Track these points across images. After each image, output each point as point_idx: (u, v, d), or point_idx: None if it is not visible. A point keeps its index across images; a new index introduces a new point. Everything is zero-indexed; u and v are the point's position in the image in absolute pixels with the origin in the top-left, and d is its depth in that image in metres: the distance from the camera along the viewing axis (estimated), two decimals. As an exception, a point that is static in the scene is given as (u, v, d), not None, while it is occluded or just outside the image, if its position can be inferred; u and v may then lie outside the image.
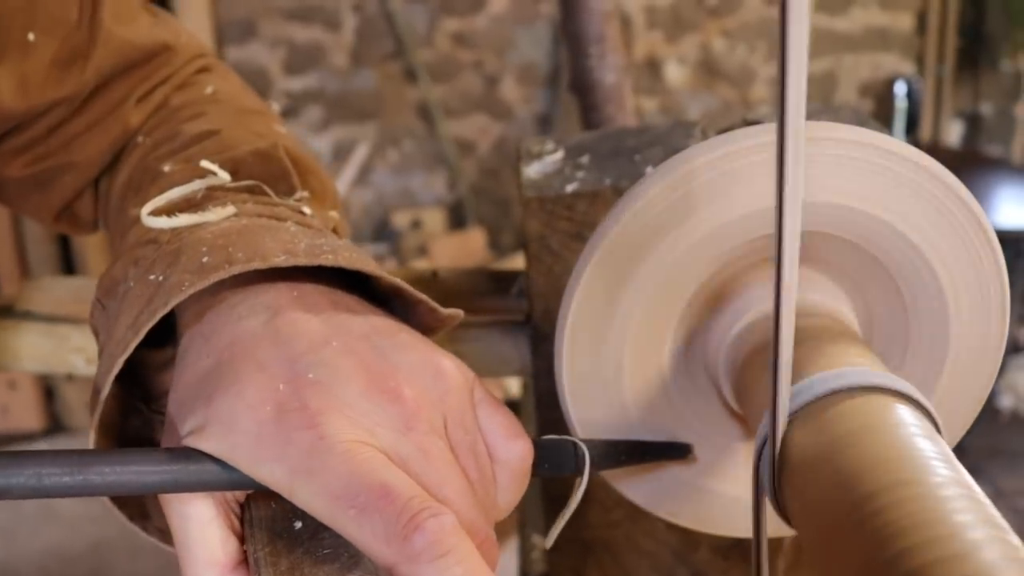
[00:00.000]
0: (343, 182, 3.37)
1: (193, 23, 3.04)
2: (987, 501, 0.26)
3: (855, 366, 0.31)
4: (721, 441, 0.41)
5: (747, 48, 3.38)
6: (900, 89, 3.43)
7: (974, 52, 3.49)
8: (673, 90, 3.41)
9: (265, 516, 0.33)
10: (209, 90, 0.58)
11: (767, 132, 0.35)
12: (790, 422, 0.30)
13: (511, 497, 0.37)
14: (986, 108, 3.55)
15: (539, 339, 0.56)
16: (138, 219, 0.44)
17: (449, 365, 0.36)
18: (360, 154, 3.40)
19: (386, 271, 0.40)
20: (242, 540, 0.34)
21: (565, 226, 0.53)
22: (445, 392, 0.36)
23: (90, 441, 0.37)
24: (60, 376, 2.61)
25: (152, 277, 0.38)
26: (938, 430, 0.30)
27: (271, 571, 0.31)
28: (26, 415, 2.84)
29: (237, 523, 0.35)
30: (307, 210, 0.47)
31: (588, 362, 0.39)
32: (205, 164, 0.46)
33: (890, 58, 3.49)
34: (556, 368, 0.39)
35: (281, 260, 0.37)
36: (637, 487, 0.41)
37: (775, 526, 0.33)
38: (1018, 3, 3.38)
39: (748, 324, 0.37)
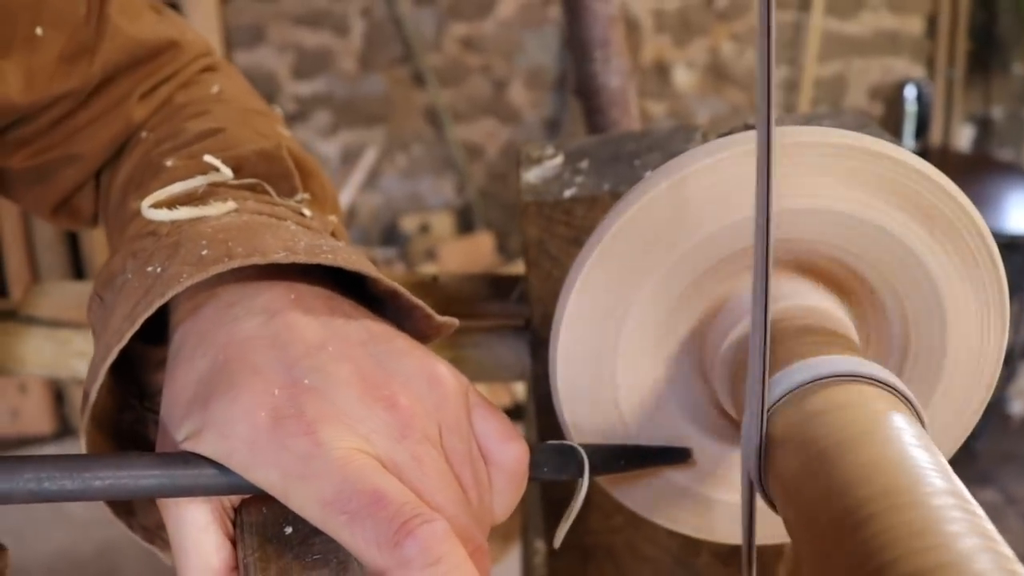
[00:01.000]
0: (352, 186, 3.37)
1: (202, 28, 3.05)
2: (978, 510, 0.26)
3: (835, 355, 0.31)
4: (718, 447, 0.41)
5: (755, 51, 3.36)
6: (910, 93, 3.42)
7: (985, 55, 3.47)
8: (681, 94, 3.41)
9: (256, 521, 0.33)
10: (214, 89, 0.59)
11: (753, 139, 0.35)
12: (773, 410, 0.30)
13: (508, 501, 0.37)
14: (997, 112, 3.53)
15: (539, 344, 0.56)
16: (138, 212, 0.44)
17: (444, 372, 0.36)
18: (368, 158, 3.40)
19: (385, 274, 0.40)
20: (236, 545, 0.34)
21: (564, 231, 0.53)
22: (440, 399, 0.36)
23: (81, 430, 0.37)
24: (69, 380, 2.63)
25: (150, 269, 0.39)
26: (920, 419, 0.30)
27: (251, 567, 0.31)
28: (36, 419, 2.86)
29: (232, 528, 0.35)
30: (307, 212, 0.47)
31: (583, 368, 0.39)
32: (208, 159, 0.46)
33: (900, 62, 3.48)
34: (551, 374, 0.39)
35: (281, 257, 0.37)
36: (634, 493, 0.41)
37: (776, 533, 0.33)
38: (1029, 6, 3.37)
39: (743, 330, 0.37)
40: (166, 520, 0.34)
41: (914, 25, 3.44)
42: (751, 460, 0.31)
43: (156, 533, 0.40)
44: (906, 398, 0.31)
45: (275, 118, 0.58)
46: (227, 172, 0.46)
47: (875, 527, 0.25)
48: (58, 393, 2.89)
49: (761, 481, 0.31)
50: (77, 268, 2.91)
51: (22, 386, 2.80)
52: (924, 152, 3.17)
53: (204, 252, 0.37)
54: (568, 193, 0.52)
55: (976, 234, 0.37)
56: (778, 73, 3.40)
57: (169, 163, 0.49)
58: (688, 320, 0.39)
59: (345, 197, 3.40)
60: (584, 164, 0.56)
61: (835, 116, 0.59)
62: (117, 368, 0.39)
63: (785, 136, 0.35)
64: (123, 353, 0.37)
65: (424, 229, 3.41)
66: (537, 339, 0.56)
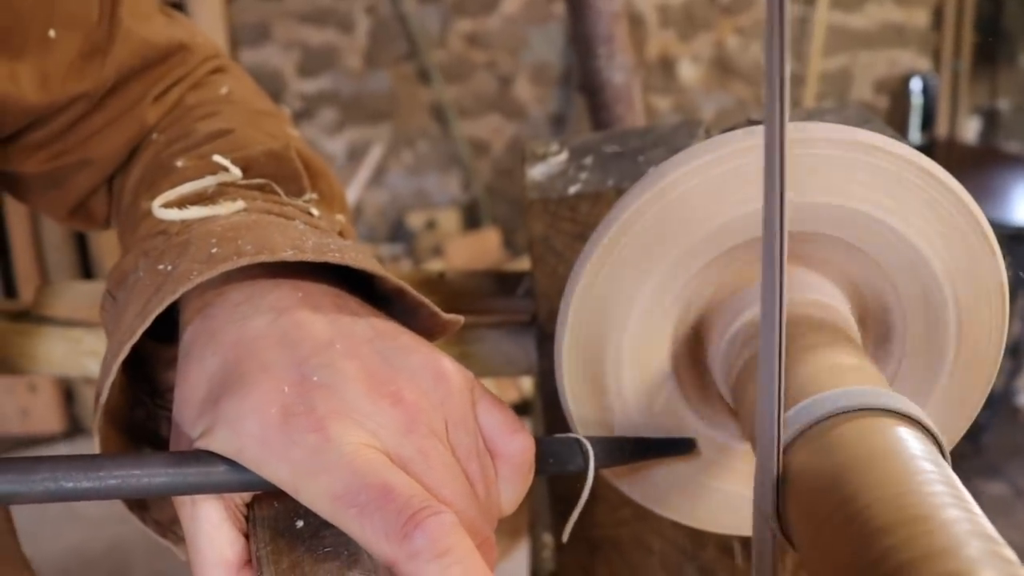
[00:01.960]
0: (358, 183, 3.38)
1: (207, 26, 3.06)
2: (996, 535, 0.25)
3: (853, 385, 0.31)
4: (721, 439, 0.41)
5: (761, 46, 3.37)
6: (916, 85, 3.41)
7: (991, 47, 3.46)
8: (687, 89, 3.40)
9: (268, 516, 0.34)
10: (224, 90, 0.59)
11: (758, 134, 0.35)
12: (791, 444, 0.30)
13: (514, 493, 0.37)
14: (1003, 104, 3.52)
15: (545, 339, 0.56)
16: (149, 212, 0.45)
17: (449, 367, 0.37)
18: (374, 155, 3.41)
19: (392, 272, 0.41)
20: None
21: (569, 227, 0.53)
22: (446, 395, 0.36)
23: (95, 427, 0.37)
24: (79, 379, 2.63)
25: (161, 267, 0.39)
26: (942, 452, 0.30)
27: (272, 569, 0.32)
28: (46, 418, 2.87)
29: (244, 523, 0.35)
30: (315, 211, 0.47)
31: (588, 363, 0.39)
32: (218, 159, 0.47)
33: (906, 54, 3.47)
34: (556, 369, 0.40)
35: (289, 255, 0.37)
36: (638, 485, 0.42)
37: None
38: (1035, -3, 3.36)
39: (744, 324, 0.37)
40: (180, 516, 0.35)
41: (920, 17, 3.43)
42: (766, 500, 0.31)
43: (169, 528, 0.41)
44: (926, 427, 0.31)
45: (283, 118, 0.59)
46: (236, 172, 0.47)
47: (874, 524, 0.25)
48: (68, 392, 2.91)
49: (778, 519, 0.31)
50: (85, 268, 2.92)
51: (32, 385, 2.82)
52: (930, 145, 3.16)
53: (214, 250, 0.38)
54: (573, 189, 0.53)
55: (979, 232, 0.37)
56: (783, 67, 3.38)
57: (179, 164, 0.50)
58: (691, 314, 0.39)
59: (351, 194, 3.41)
60: (588, 160, 0.56)
61: (839, 111, 0.59)
62: (129, 366, 0.40)
63: (792, 132, 0.36)
64: (134, 351, 0.38)
65: (430, 225, 3.41)
66: (543, 334, 0.56)
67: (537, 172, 0.56)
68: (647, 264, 0.37)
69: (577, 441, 0.39)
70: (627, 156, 0.56)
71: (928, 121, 3.44)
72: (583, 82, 1.09)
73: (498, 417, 0.37)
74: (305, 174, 0.50)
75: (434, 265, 3.23)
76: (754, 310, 0.37)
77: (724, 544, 0.60)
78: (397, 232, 3.48)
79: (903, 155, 0.36)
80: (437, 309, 0.40)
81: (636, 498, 0.42)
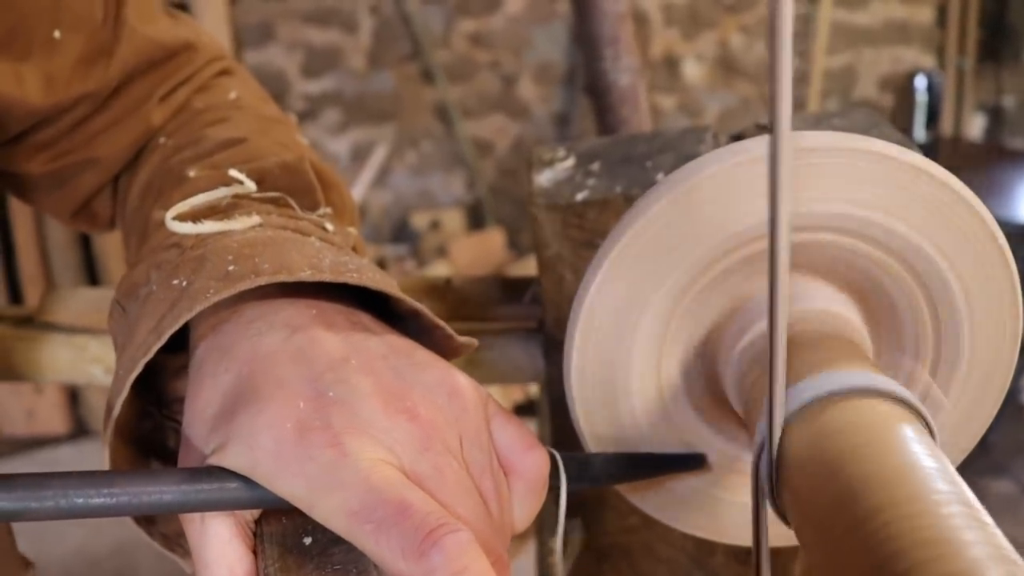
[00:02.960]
0: (362, 184, 3.38)
1: (211, 27, 3.06)
2: (988, 520, 0.26)
3: (848, 369, 0.31)
4: (731, 450, 0.41)
5: (765, 44, 3.36)
6: (921, 83, 3.40)
7: (996, 44, 3.45)
8: (691, 88, 3.40)
9: (276, 532, 0.34)
10: (232, 95, 0.59)
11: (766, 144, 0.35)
12: (787, 426, 0.30)
13: (528, 509, 0.37)
14: (1008, 101, 3.51)
15: (552, 346, 0.56)
16: (161, 222, 0.44)
17: (464, 384, 0.37)
18: (378, 156, 3.41)
19: (401, 280, 0.40)
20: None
21: (576, 234, 0.53)
22: (461, 411, 0.36)
23: (104, 442, 0.37)
24: (86, 385, 2.64)
25: (176, 282, 0.39)
26: (931, 432, 0.30)
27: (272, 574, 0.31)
28: (52, 419, 2.87)
29: (253, 540, 0.35)
30: (329, 226, 0.47)
31: (598, 376, 0.39)
32: (233, 174, 0.46)
33: (910, 52, 3.46)
34: (566, 384, 0.39)
35: (307, 275, 0.37)
36: (648, 497, 0.41)
37: (790, 535, 0.33)
38: (1040, -6, 3.34)
39: (756, 335, 0.37)
40: (188, 533, 0.35)
41: (924, 15, 3.42)
42: (764, 475, 0.31)
43: (176, 541, 0.41)
44: (917, 410, 0.31)
45: (292, 126, 0.58)
46: (251, 185, 0.46)
47: (886, 535, 0.25)
48: (73, 394, 2.91)
49: (774, 496, 0.31)
50: (90, 269, 2.93)
51: (37, 387, 2.82)
52: (935, 142, 3.15)
53: (231, 268, 0.38)
54: (580, 196, 0.52)
55: (990, 237, 0.37)
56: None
57: (191, 173, 0.49)
58: (702, 325, 0.39)
59: (355, 194, 3.41)
60: (596, 166, 0.56)
61: (846, 115, 0.59)
62: (138, 376, 0.39)
63: (798, 141, 0.35)
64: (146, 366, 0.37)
65: (435, 226, 3.41)
66: (550, 341, 0.56)
67: (544, 178, 0.56)
68: (658, 275, 0.37)
69: (587, 458, 0.38)
70: (635, 162, 0.56)
71: (933, 118, 3.43)
72: (589, 84, 1.09)
73: (512, 433, 0.37)
74: (319, 187, 0.49)
75: (438, 266, 3.22)
76: (757, 324, 0.37)
77: (733, 551, 0.60)
78: (401, 232, 3.48)
79: (910, 162, 0.35)
80: (452, 332, 0.40)
81: (648, 511, 0.41)
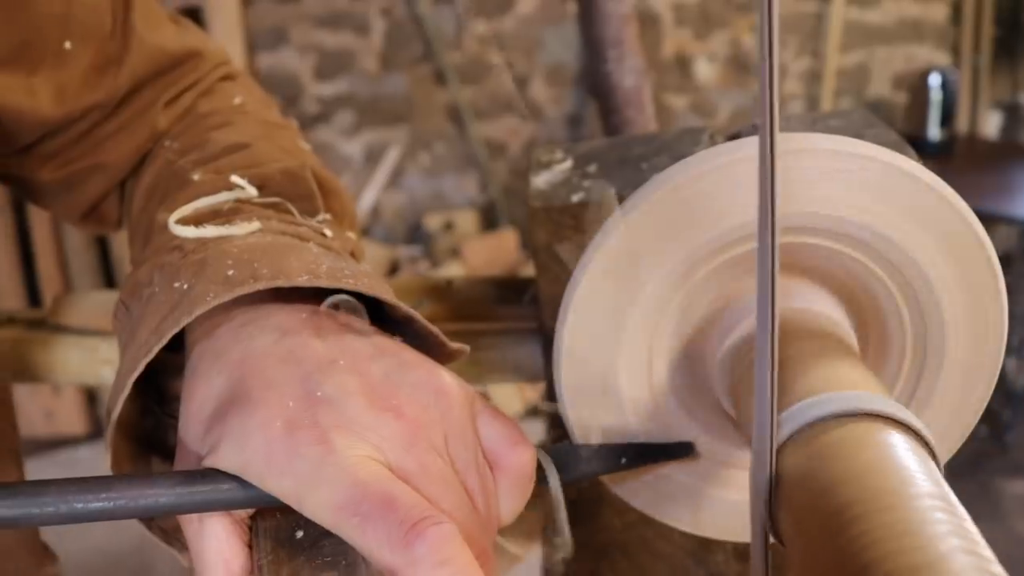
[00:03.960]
0: (375, 185, 3.40)
1: (224, 31, 3.08)
2: (982, 542, 0.26)
3: (846, 389, 0.31)
4: (719, 446, 0.41)
5: (778, 43, 3.35)
6: (935, 81, 3.38)
7: (1011, 41, 3.43)
8: (703, 87, 3.40)
9: (270, 527, 0.35)
10: (237, 100, 0.60)
11: (755, 144, 0.36)
12: (784, 447, 0.31)
13: (514, 503, 0.38)
14: (1024, 98, 3.49)
15: (550, 346, 0.57)
16: (165, 225, 0.45)
17: (450, 382, 0.37)
18: (392, 157, 3.42)
19: (404, 281, 0.41)
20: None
21: (572, 235, 0.53)
22: (446, 409, 0.37)
23: (107, 439, 0.38)
24: (97, 387, 2.67)
25: (177, 284, 0.40)
26: (934, 457, 0.30)
27: (266, 569, 0.32)
28: (70, 420, 2.91)
29: (249, 535, 0.36)
30: (328, 232, 0.48)
31: (587, 368, 0.40)
32: (235, 179, 0.48)
33: (924, 49, 3.45)
34: (555, 374, 0.40)
35: (304, 280, 0.38)
36: (636, 491, 0.42)
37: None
38: (1056, -10, 3.32)
39: (743, 334, 0.37)
40: (185, 531, 0.36)
41: (938, 12, 3.41)
42: (760, 501, 0.31)
43: (173, 535, 0.42)
44: (915, 430, 0.31)
45: (295, 131, 0.60)
46: (252, 191, 0.47)
47: (860, 527, 0.26)
48: (91, 395, 2.94)
49: (771, 517, 0.31)
50: (107, 273, 2.96)
51: (55, 388, 2.85)
52: (951, 140, 3.13)
53: (230, 272, 0.39)
54: (576, 197, 0.53)
55: (973, 236, 0.37)
56: (800, 64, 3.38)
57: (195, 177, 0.50)
58: (690, 322, 0.39)
59: (369, 196, 3.43)
60: (592, 168, 0.57)
61: (843, 116, 0.59)
62: (140, 375, 0.40)
63: (786, 142, 0.36)
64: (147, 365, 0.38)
65: (448, 227, 3.42)
66: (549, 341, 0.56)
67: (541, 180, 0.57)
68: (646, 271, 0.38)
69: (574, 448, 0.39)
70: (631, 164, 0.57)
71: (948, 116, 3.41)
72: (593, 86, 1.09)
73: (499, 430, 0.38)
74: (319, 195, 0.51)
75: (451, 267, 3.24)
76: (752, 319, 0.37)
77: (733, 548, 0.60)
78: (415, 234, 3.49)
79: (893, 163, 0.36)
80: (445, 339, 0.41)
81: (637, 506, 0.42)
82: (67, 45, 0.53)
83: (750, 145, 0.36)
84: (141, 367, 0.37)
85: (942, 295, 0.38)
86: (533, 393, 2.56)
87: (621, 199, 0.53)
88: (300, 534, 0.34)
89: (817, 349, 0.35)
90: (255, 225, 0.44)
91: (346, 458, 0.33)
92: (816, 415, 0.30)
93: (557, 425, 0.58)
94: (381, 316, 0.42)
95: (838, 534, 0.27)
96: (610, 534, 0.60)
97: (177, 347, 0.42)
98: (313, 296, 0.40)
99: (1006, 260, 2.78)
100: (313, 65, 3.35)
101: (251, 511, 0.36)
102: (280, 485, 0.33)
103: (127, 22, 0.55)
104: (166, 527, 0.42)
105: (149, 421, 0.43)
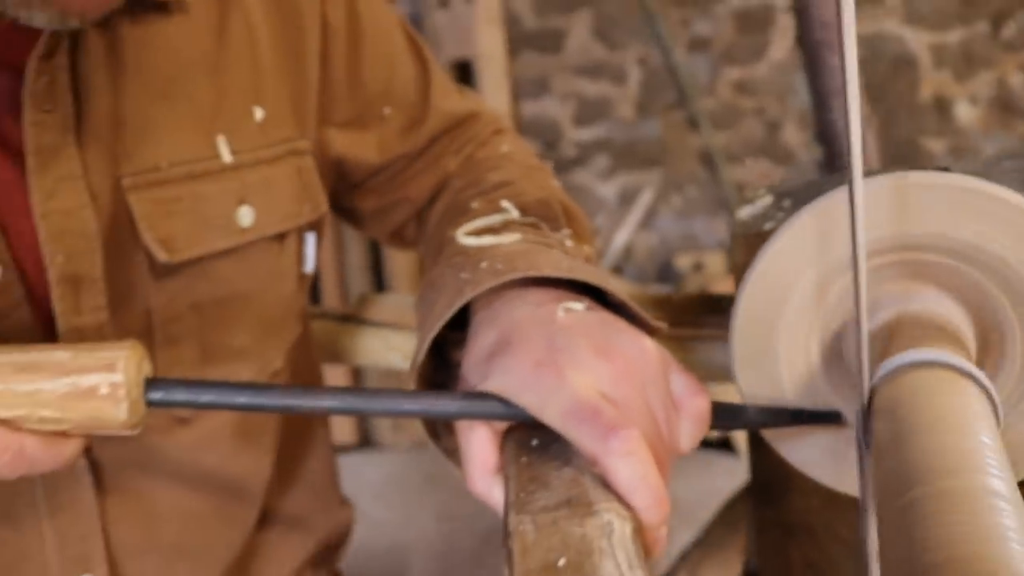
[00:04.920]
0: (628, 226, 3.55)
1: (492, 81, 3.38)
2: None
3: (930, 347, 0.42)
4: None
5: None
6: None
7: None
8: (964, 130, 3.28)
9: (515, 437, 0.49)
10: (504, 149, 0.79)
11: (889, 178, 0.47)
12: (876, 386, 0.42)
13: (692, 436, 0.50)
14: None
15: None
16: (452, 238, 0.63)
17: (650, 344, 0.51)
18: (645, 199, 3.57)
19: (641, 291, 0.56)
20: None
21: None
22: (646, 362, 0.50)
23: (411, 379, 0.54)
24: (386, 371, 2.95)
25: (463, 275, 0.56)
26: (995, 408, 0.40)
27: (514, 466, 0.47)
28: (342, 430, 3.22)
29: (501, 442, 0.51)
30: (569, 243, 0.64)
31: (753, 347, 0.52)
32: (504, 204, 0.64)
33: None
34: (730, 348, 0.52)
35: (549, 271, 0.53)
36: (791, 448, 0.53)
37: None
38: None
39: (876, 324, 0.48)
40: (459, 435, 0.51)
41: None
42: (859, 425, 0.42)
43: (453, 453, 0.57)
44: (984, 387, 0.41)
45: (548, 172, 0.77)
46: (515, 213, 0.64)
47: (922, 510, 0.33)
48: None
49: (867, 442, 0.42)
50: (379, 285, 3.30)
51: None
52: None
53: (499, 266, 0.55)
54: (768, 226, 0.65)
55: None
56: (1080, 105, 3.18)
57: (474, 205, 0.68)
58: (840, 315, 0.50)
59: (622, 236, 3.59)
60: (787, 203, 0.68)
61: (1017, 158, 0.67)
62: (433, 345, 0.57)
63: (924, 178, 0.47)
64: (437, 336, 0.54)
65: (697, 267, 3.50)
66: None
67: (744, 212, 0.69)
68: (799, 270, 0.49)
69: (743, 408, 0.51)
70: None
71: None
72: (819, 134, 1.18)
73: (684, 381, 0.51)
74: (563, 217, 0.67)
75: (697, 305, 3.31)
76: (881, 314, 0.48)
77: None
78: (665, 273, 3.60)
79: (1019, 205, 0.45)
80: (648, 318, 0.54)
81: (789, 459, 0.53)
82: (386, 111, 0.73)
83: (903, 178, 0.47)
84: (438, 328, 0.53)
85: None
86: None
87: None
88: (535, 442, 0.48)
89: (928, 335, 0.45)
90: (517, 236, 0.60)
91: (573, 384, 0.47)
92: (905, 361, 0.41)
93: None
94: (604, 301, 0.56)
95: (898, 495, 0.35)
96: (797, 516, 0.70)
97: (456, 327, 0.58)
98: (557, 284, 0.55)
99: None
100: (572, 112, 3.57)
101: (504, 426, 0.51)
102: (529, 400, 0.47)
103: (427, 94, 0.75)
104: (449, 447, 0.57)
105: (441, 375, 0.59)
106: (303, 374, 0.77)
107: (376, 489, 2.88)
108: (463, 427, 0.51)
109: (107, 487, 0.64)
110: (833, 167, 1.16)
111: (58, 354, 0.48)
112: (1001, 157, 0.67)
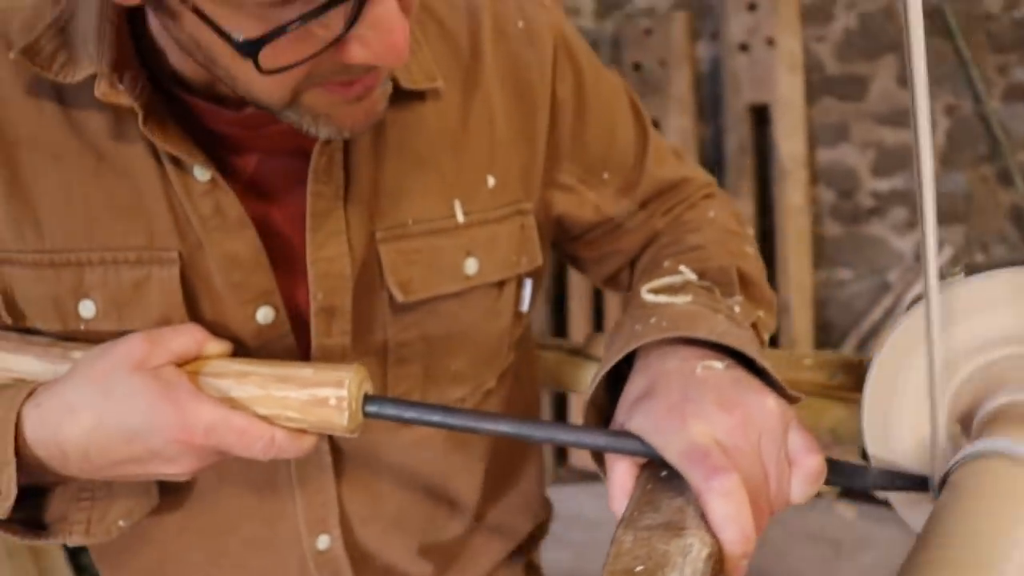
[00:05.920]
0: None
1: (789, 126, 3.36)
2: None
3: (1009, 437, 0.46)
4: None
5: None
6: None
7: None
8: None
9: (650, 468, 0.58)
10: (711, 214, 0.87)
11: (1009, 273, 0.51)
12: (957, 464, 0.47)
13: (803, 491, 0.56)
14: None
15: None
16: (639, 293, 0.73)
17: (774, 403, 0.58)
18: (943, 256, 3.39)
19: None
20: None
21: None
22: (764, 418, 0.57)
23: (584, 409, 0.64)
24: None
25: (636, 327, 0.66)
26: None
27: (639, 491, 0.56)
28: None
29: (638, 472, 0.60)
30: (738, 309, 0.71)
31: (879, 423, 0.57)
32: (682, 268, 0.74)
33: None
34: (860, 418, 0.58)
35: (702, 335, 0.62)
36: (912, 515, 0.58)
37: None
38: None
39: (988, 409, 0.52)
40: (608, 465, 0.60)
41: None
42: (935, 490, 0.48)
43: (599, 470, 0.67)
44: None
45: (745, 239, 0.84)
46: (692, 276, 0.73)
47: None
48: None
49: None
50: (560, 328, 3.40)
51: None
52: None
53: (664, 323, 0.65)
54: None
55: None
56: None
57: (665, 264, 0.78)
58: (963, 402, 0.55)
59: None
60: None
61: None
62: (608, 382, 0.67)
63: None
64: (609, 374, 0.64)
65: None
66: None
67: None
68: (917, 361, 0.54)
69: (861, 468, 0.57)
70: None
71: None
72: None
73: (801, 439, 0.57)
74: (738, 284, 0.74)
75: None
76: (995, 402, 0.52)
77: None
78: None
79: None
80: (784, 386, 0.61)
81: (908, 524, 0.58)
82: (605, 175, 0.84)
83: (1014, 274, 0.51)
84: (609, 366, 0.64)
85: None
86: None
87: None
88: (664, 473, 0.57)
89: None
90: (688, 298, 0.68)
91: (692, 430, 0.55)
92: (973, 452, 0.46)
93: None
94: (752, 367, 0.63)
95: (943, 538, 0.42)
96: None
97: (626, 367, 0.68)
98: (712, 345, 0.63)
99: None
100: (871, 161, 3.46)
101: (642, 461, 0.60)
102: (657, 440, 0.56)
103: (643, 161, 0.85)
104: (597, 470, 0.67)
105: (610, 410, 0.69)
106: (516, 393, 0.89)
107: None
108: (610, 457, 0.60)
109: (343, 469, 0.79)
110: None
111: (304, 371, 0.62)
112: None
